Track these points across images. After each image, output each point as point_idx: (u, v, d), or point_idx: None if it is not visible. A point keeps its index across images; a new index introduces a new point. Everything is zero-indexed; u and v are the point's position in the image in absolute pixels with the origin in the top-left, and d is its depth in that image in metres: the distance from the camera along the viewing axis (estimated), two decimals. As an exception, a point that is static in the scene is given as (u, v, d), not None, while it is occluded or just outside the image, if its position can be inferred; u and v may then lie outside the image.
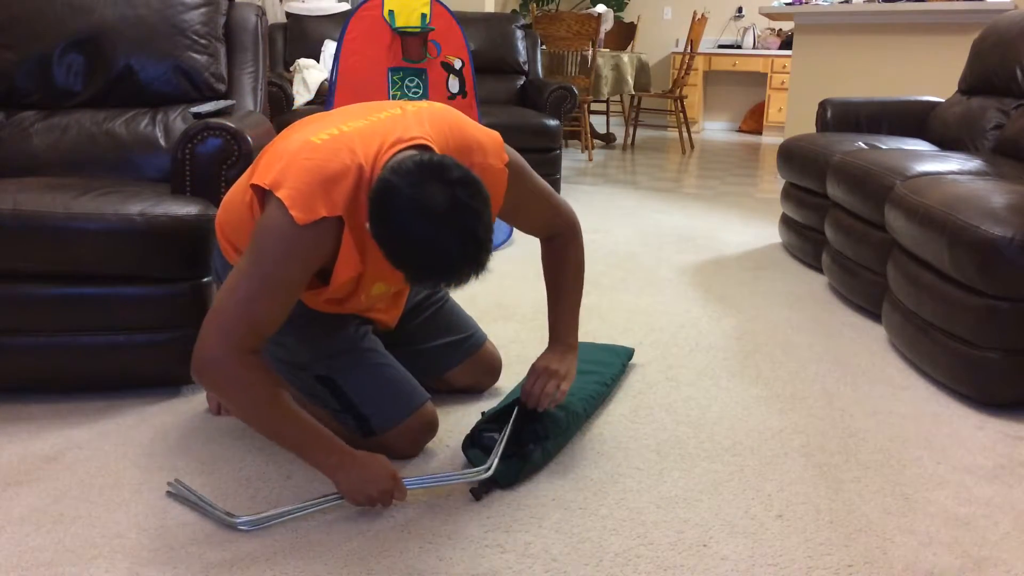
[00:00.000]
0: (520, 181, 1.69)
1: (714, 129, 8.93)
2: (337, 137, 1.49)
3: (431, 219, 1.32)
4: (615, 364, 2.17)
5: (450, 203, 1.33)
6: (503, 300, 2.86)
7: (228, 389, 1.46)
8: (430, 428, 1.80)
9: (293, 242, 1.43)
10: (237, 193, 1.68)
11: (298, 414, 1.51)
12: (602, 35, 6.41)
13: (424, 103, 1.65)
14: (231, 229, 1.69)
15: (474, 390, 2.08)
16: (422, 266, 1.36)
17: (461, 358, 2.01)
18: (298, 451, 1.53)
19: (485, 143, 1.62)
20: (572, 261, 1.84)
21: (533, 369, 1.82)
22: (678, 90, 6.93)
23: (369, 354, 1.76)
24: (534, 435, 1.74)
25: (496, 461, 1.65)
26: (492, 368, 2.07)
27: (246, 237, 1.63)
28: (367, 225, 1.40)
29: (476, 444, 1.75)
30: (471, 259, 1.35)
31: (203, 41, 2.57)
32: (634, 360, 2.34)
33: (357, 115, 1.58)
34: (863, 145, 3.21)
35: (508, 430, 1.72)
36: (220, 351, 1.44)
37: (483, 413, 1.84)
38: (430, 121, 1.58)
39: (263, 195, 1.51)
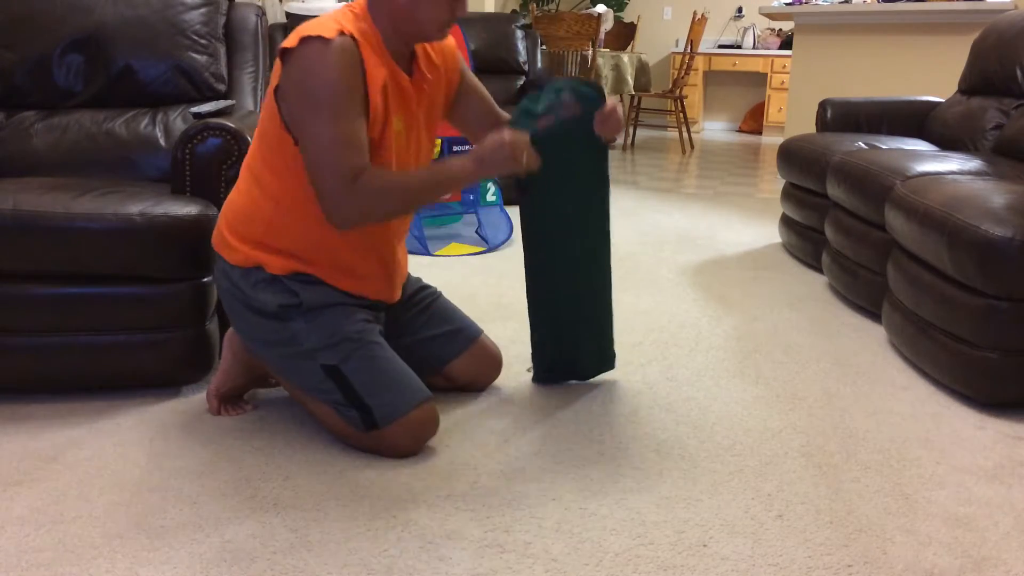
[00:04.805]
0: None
1: (714, 129, 8.93)
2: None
3: None
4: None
5: None
6: (503, 300, 2.86)
7: (373, 214, 1.68)
8: (432, 424, 1.80)
9: (329, 55, 1.59)
10: (243, 184, 1.80)
11: (421, 176, 1.73)
12: (602, 35, 6.40)
13: None
14: (240, 219, 1.78)
15: (477, 386, 2.08)
16: None
17: (460, 348, 2.02)
18: (445, 191, 1.74)
19: None
20: None
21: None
22: (678, 90, 6.93)
23: (375, 347, 1.78)
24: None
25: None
26: (494, 359, 2.08)
27: (257, 222, 1.75)
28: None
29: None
30: None
31: (203, 41, 2.57)
32: (634, 360, 2.34)
33: None
34: (863, 145, 3.21)
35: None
36: (344, 199, 1.63)
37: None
38: None
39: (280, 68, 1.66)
